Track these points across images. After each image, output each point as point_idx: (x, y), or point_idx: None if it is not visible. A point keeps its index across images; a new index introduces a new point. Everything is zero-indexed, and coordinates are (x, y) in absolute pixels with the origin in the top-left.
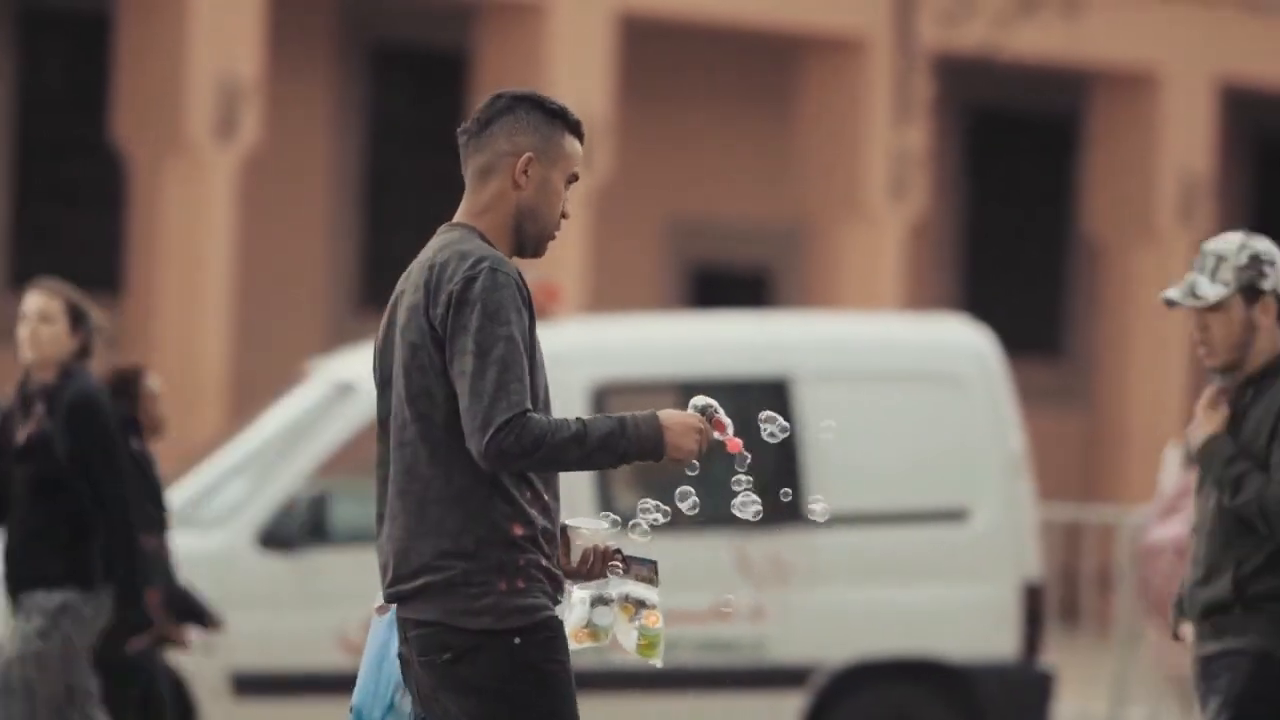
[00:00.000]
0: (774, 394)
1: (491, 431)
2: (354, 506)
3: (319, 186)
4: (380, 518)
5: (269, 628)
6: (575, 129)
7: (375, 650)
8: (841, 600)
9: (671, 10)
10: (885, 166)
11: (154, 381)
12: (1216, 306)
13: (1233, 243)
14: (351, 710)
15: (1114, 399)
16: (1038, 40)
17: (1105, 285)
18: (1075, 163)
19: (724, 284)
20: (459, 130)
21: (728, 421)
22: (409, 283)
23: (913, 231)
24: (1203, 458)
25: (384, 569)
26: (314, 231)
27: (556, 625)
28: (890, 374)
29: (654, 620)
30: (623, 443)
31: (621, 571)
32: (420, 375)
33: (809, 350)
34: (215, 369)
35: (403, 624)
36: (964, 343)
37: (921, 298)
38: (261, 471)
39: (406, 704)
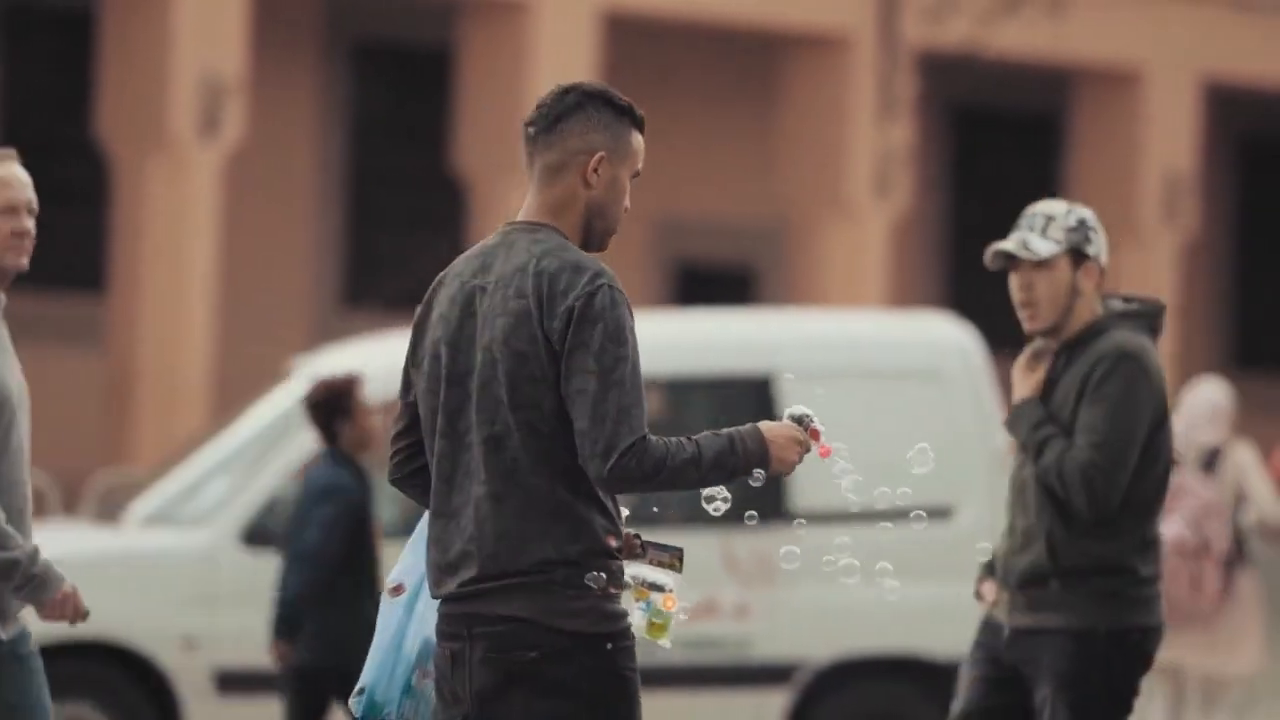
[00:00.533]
0: (758, 392)
1: (615, 457)
2: None
3: (303, 184)
4: (435, 514)
5: (253, 626)
6: (640, 124)
7: (392, 632)
8: (825, 598)
9: (656, 8)
10: (869, 164)
11: (364, 392)
12: (1044, 264)
13: (1060, 205)
14: (360, 691)
15: None
16: (1022, 38)
17: None
18: (1059, 160)
19: (708, 281)
20: (525, 123)
21: (822, 429)
22: (491, 280)
23: (897, 229)
24: (1011, 421)
25: (449, 566)
26: (298, 229)
27: (632, 635)
28: (874, 371)
29: (669, 604)
30: (733, 460)
31: (640, 555)
32: (530, 386)
33: (793, 348)
34: (199, 366)
35: (467, 619)
36: (948, 340)
37: (905, 295)
38: (245, 469)
39: (425, 688)
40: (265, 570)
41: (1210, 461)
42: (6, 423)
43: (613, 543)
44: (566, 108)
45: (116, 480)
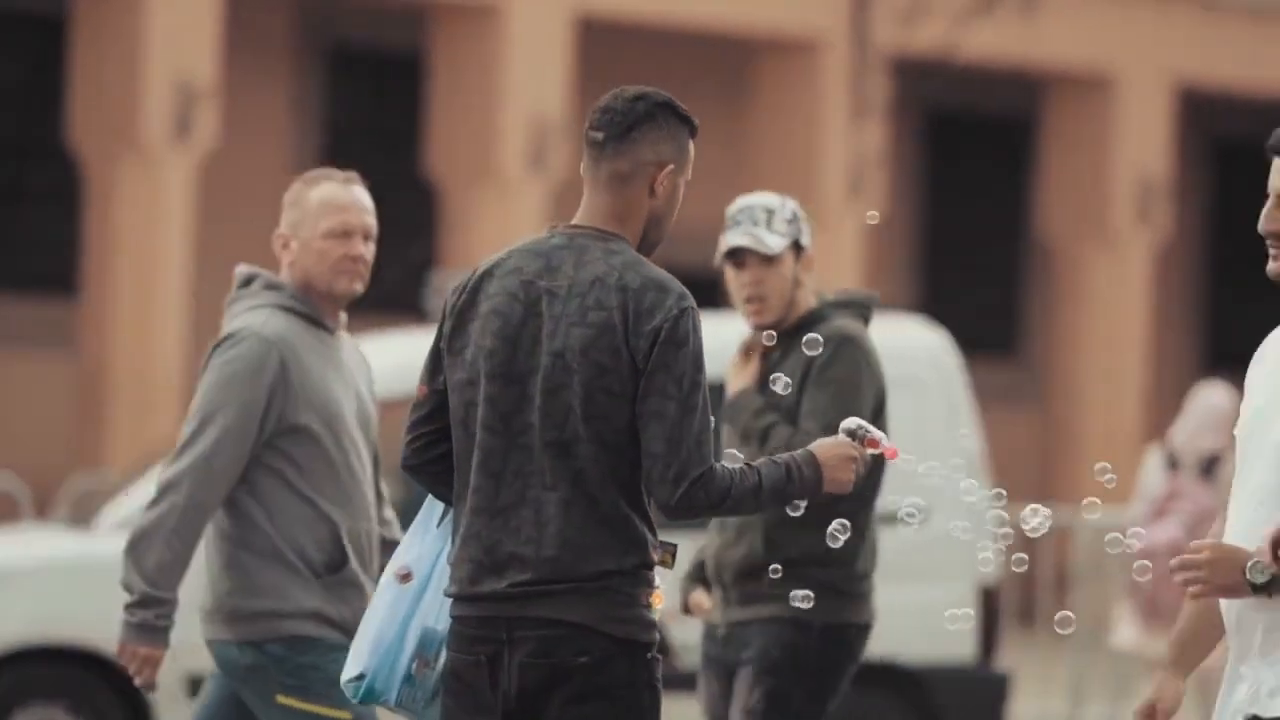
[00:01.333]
0: None
1: (686, 485)
2: None
3: (275, 188)
4: (478, 510)
5: None
6: (695, 133)
7: (399, 621)
8: None
9: (628, 12)
10: (842, 168)
11: None
12: (772, 259)
13: (771, 197)
14: (359, 677)
15: (1068, 400)
16: (994, 42)
17: (1061, 286)
18: (1032, 164)
19: None
20: (591, 127)
21: (880, 435)
22: (562, 284)
23: (869, 233)
24: (729, 412)
25: (495, 565)
26: (270, 233)
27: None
28: None
29: (656, 599)
30: (790, 488)
31: None
32: (605, 398)
33: None
34: (171, 370)
35: (508, 621)
36: (921, 344)
37: (881, 297)
38: None
39: (426, 676)
40: None
41: (1209, 467)
42: None
43: (655, 556)
44: (639, 116)
45: (89, 484)
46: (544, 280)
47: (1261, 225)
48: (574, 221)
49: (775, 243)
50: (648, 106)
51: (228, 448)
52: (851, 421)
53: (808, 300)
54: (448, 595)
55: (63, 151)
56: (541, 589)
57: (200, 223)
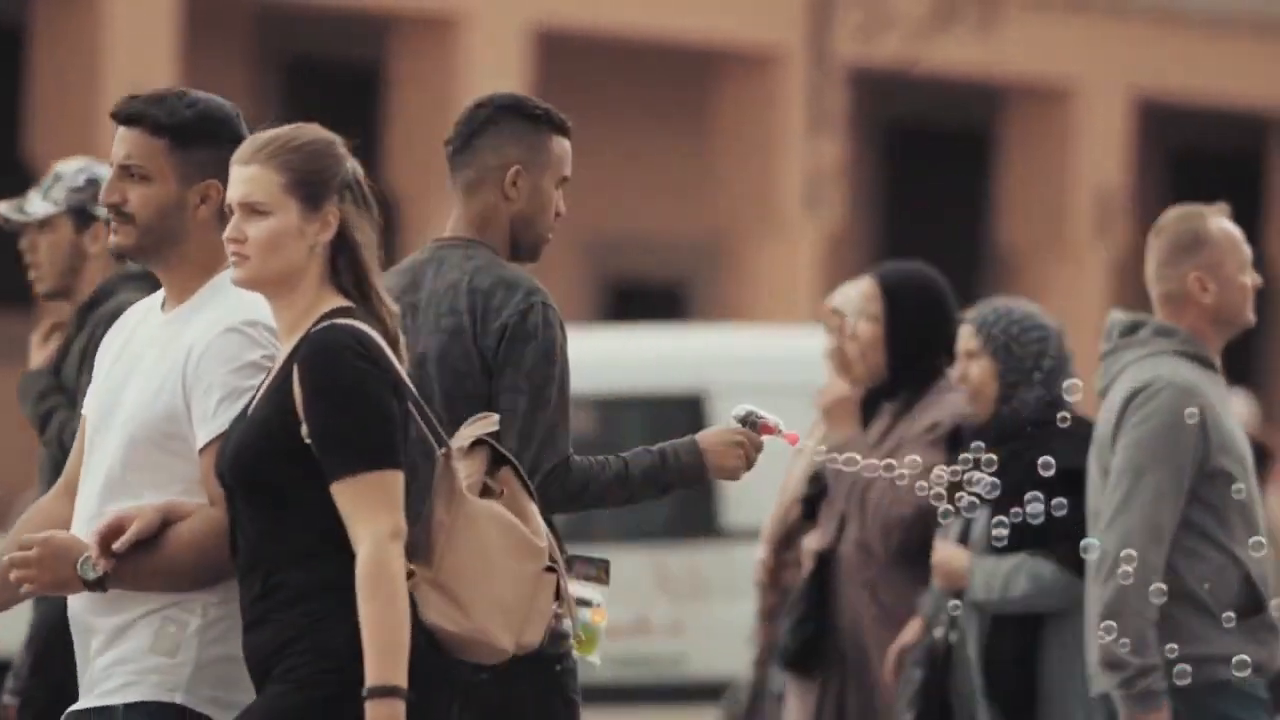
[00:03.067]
0: (690, 408)
1: (539, 479)
2: None
3: None
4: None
5: None
6: (562, 129)
7: None
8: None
9: (587, 24)
10: (801, 180)
11: None
12: (44, 225)
13: (73, 164)
14: None
15: None
16: (953, 55)
17: (1020, 298)
18: (990, 176)
19: (640, 298)
20: (445, 142)
21: (774, 420)
22: (422, 297)
23: (829, 245)
24: (19, 393)
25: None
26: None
27: (574, 657)
28: (806, 387)
29: (598, 618)
30: (665, 475)
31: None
32: (467, 404)
33: (725, 364)
34: None
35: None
36: None
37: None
38: None
39: None
40: None
41: None
42: None
43: (558, 556)
44: (479, 123)
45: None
46: (408, 296)
47: (102, 197)
48: (441, 235)
49: (39, 208)
50: (488, 112)
51: (1167, 505)
52: (742, 408)
53: (103, 272)
54: None
55: (21, 164)
56: None
57: None
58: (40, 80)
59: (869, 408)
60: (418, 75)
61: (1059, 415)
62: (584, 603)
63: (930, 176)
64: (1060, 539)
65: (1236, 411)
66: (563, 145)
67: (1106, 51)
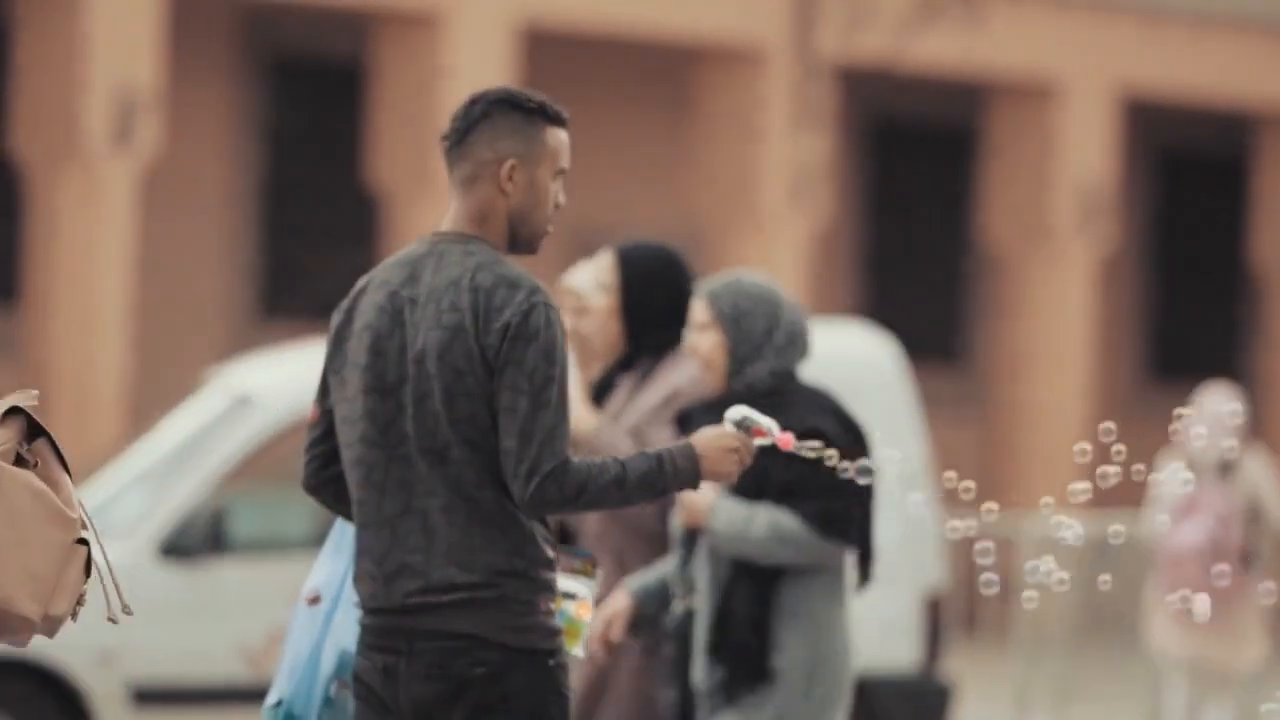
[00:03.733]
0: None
1: (537, 480)
2: (254, 517)
3: (217, 196)
4: (366, 524)
5: (169, 639)
6: (557, 120)
7: (309, 644)
8: None
9: (570, 20)
10: (785, 176)
11: None
12: None
13: None
14: (277, 704)
15: (1011, 408)
16: (938, 51)
17: (1004, 294)
18: (975, 172)
19: None
20: (441, 138)
21: (768, 424)
22: (422, 291)
23: (813, 240)
24: None
25: (387, 577)
26: (212, 241)
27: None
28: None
29: (584, 611)
30: (661, 480)
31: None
32: (467, 401)
33: None
34: (113, 378)
35: (406, 633)
36: (865, 351)
37: (822, 306)
38: (161, 482)
39: (343, 698)
40: (183, 584)
41: (1226, 470)
42: None
43: (550, 553)
44: (473, 119)
45: None
46: (406, 289)
47: None
48: (440, 229)
49: None
50: (483, 107)
51: None
52: (738, 411)
53: None
54: (358, 609)
55: (3, 159)
56: (435, 599)
57: (142, 231)
58: (22, 77)
59: (608, 384)
60: (401, 72)
61: (790, 388)
62: (569, 596)
63: (915, 172)
64: (805, 497)
65: (1222, 407)
66: (559, 137)
67: (1091, 48)
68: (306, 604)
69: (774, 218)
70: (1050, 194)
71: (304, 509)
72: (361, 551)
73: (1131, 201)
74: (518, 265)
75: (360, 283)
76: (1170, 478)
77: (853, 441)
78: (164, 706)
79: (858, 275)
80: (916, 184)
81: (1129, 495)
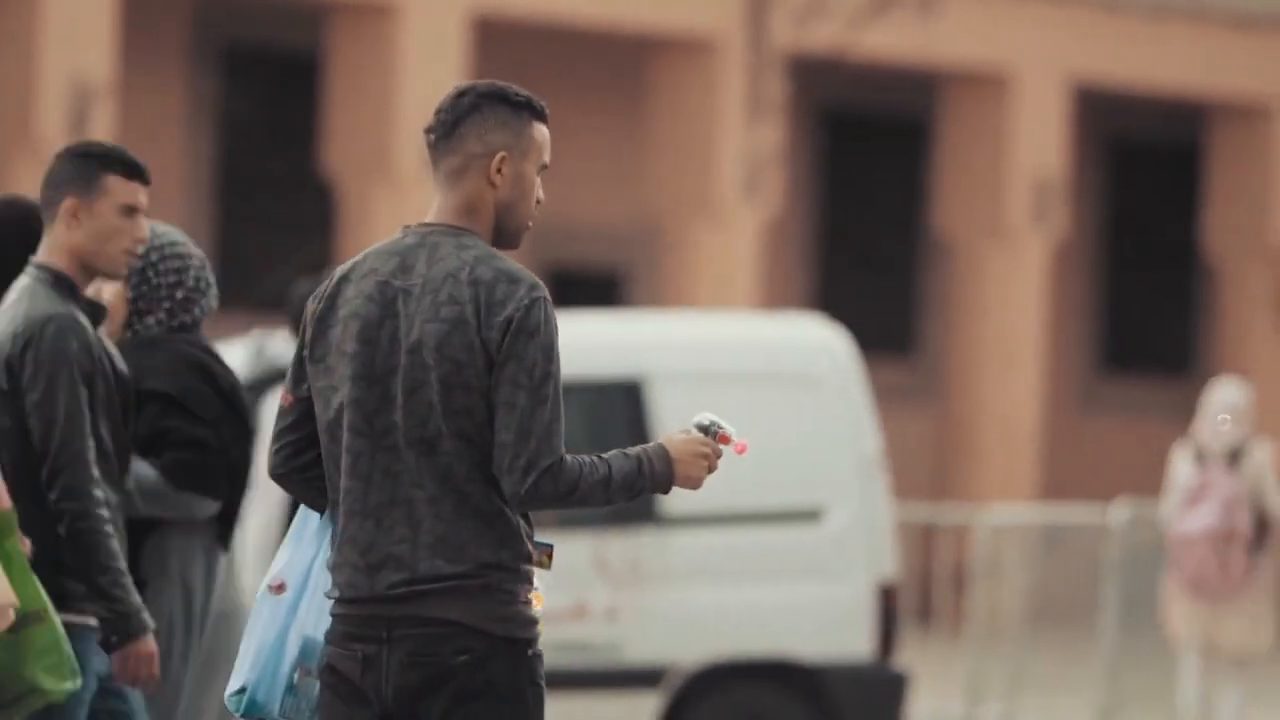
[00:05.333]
0: (628, 395)
1: (535, 475)
2: None
3: (171, 186)
4: (351, 513)
5: None
6: (542, 116)
7: (275, 631)
8: (696, 601)
9: (524, 11)
10: (738, 166)
11: None
12: None
13: None
14: (240, 691)
15: (964, 397)
16: (891, 41)
17: (957, 284)
18: (928, 162)
19: (578, 285)
20: (426, 130)
21: (731, 430)
22: (416, 282)
23: (766, 231)
24: None
25: (370, 567)
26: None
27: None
28: (744, 374)
29: (538, 602)
30: (640, 482)
31: None
32: (464, 394)
33: (663, 351)
34: None
35: (388, 621)
36: (818, 342)
37: (775, 297)
38: None
39: (307, 685)
40: None
41: (1235, 457)
42: None
43: (530, 547)
44: (463, 111)
45: None
46: (399, 279)
47: None
48: (426, 220)
49: None
50: (472, 99)
51: None
52: (705, 417)
53: None
54: (330, 599)
55: None
56: (419, 589)
57: None
58: None
59: None
60: (355, 62)
61: (172, 341)
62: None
63: (868, 162)
64: (165, 449)
65: (1230, 397)
66: (543, 132)
67: (1044, 38)
68: (270, 592)
69: (728, 207)
70: (1003, 183)
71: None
72: (344, 540)
73: (1085, 191)
74: (515, 260)
75: (340, 270)
76: (1178, 465)
77: (220, 409)
78: None
79: (811, 264)
80: (870, 173)
81: (1080, 488)
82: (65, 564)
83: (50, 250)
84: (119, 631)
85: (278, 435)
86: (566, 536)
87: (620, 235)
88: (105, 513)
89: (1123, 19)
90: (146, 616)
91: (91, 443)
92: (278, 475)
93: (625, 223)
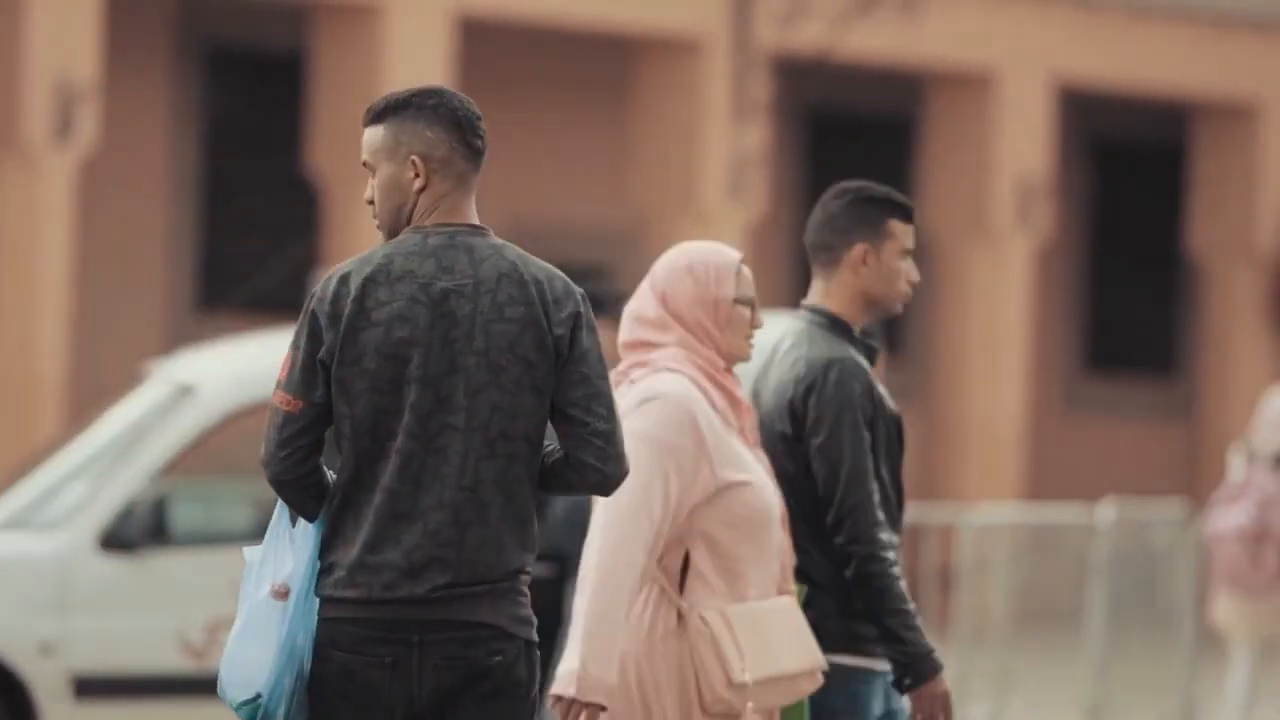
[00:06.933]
0: None
1: (625, 460)
2: (195, 508)
3: (156, 188)
4: (395, 515)
5: (110, 630)
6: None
7: (283, 636)
8: None
9: (509, 10)
10: (723, 167)
11: None
12: None
13: None
14: (254, 699)
15: (951, 398)
16: (875, 41)
17: (942, 285)
18: (912, 163)
19: None
20: (478, 136)
21: None
22: (467, 282)
23: (751, 232)
24: None
25: (412, 569)
26: (152, 233)
27: None
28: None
29: None
30: None
31: None
32: (532, 395)
33: None
34: (53, 371)
35: (420, 624)
36: None
37: (760, 297)
38: (102, 473)
39: (298, 691)
40: (123, 575)
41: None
42: None
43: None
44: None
45: None
46: (444, 280)
47: None
48: (439, 222)
49: None
50: (419, 99)
51: None
52: None
53: None
54: (340, 601)
55: None
56: (461, 591)
57: (81, 223)
58: None
59: None
60: (340, 63)
61: None
62: None
63: (852, 163)
64: None
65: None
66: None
67: (1028, 38)
68: (273, 597)
69: (714, 207)
70: (987, 184)
71: (244, 500)
72: (380, 541)
73: (1068, 192)
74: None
75: (353, 270)
76: (1233, 466)
77: None
78: (105, 697)
79: (795, 264)
80: (854, 175)
81: (1065, 488)
82: (855, 608)
83: (826, 294)
84: (913, 673)
85: (285, 441)
86: None
87: (604, 236)
88: (892, 555)
89: (1107, 19)
90: (938, 657)
91: (875, 486)
92: (283, 481)
93: (609, 223)
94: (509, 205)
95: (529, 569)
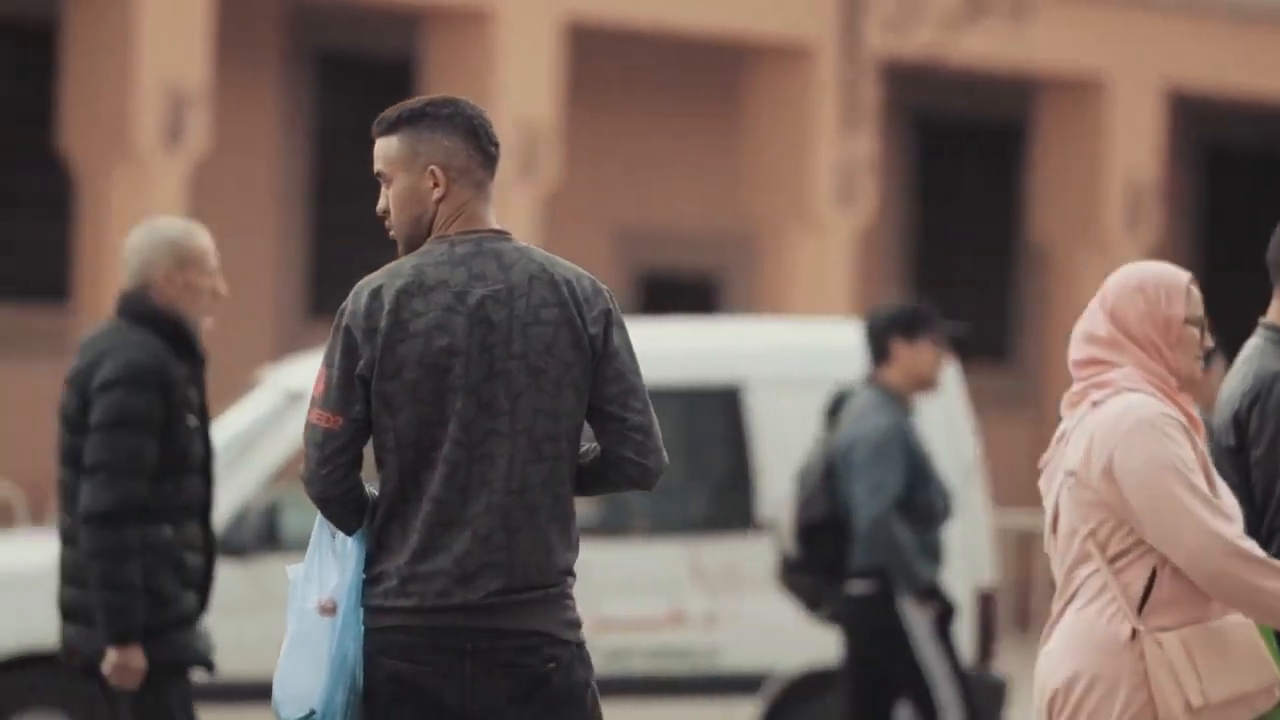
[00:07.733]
0: (725, 401)
1: (663, 453)
2: (306, 514)
3: (267, 194)
4: (445, 523)
5: (223, 635)
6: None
7: (334, 651)
8: (795, 607)
9: (618, 18)
10: (833, 174)
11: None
12: None
13: None
14: (309, 715)
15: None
16: (985, 46)
17: (1053, 291)
18: (1022, 169)
19: (672, 292)
20: (494, 145)
21: None
22: (500, 287)
23: (861, 238)
24: None
25: (465, 576)
26: (262, 239)
27: None
28: (840, 381)
29: None
30: None
31: None
32: (573, 395)
33: (759, 357)
34: None
35: (472, 632)
36: None
37: (870, 304)
38: (217, 479)
39: (352, 702)
40: (237, 580)
41: None
42: None
43: None
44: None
45: None
46: (478, 287)
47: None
48: (462, 230)
49: None
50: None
51: None
52: None
53: None
54: (408, 610)
55: (55, 159)
56: (515, 598)
57: None
58: (73, 77)
59: None
60: (451, 69)
61: None
62: None
63: (962, 169)
64: None
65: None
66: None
67: (1138, 44)
68: (319, 613)
69: (823, 214)
70: (1098, 190)
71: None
72: (431, 549)
73: (1177, 196)
74: None
75: (393, 285)
76: None
77: None
78: (218, 703)
79: (905, 273)
80: (964, 181)
81: None
82: None
83: None
84: None
85: (327, 459)
86: (663, 543)
87: (713, 242)
88: None
89: (1216, 24)
90: None
91: None
92: (329, 497)
93: (720, 230)
94: (618, 213)
95: (574, 570)
